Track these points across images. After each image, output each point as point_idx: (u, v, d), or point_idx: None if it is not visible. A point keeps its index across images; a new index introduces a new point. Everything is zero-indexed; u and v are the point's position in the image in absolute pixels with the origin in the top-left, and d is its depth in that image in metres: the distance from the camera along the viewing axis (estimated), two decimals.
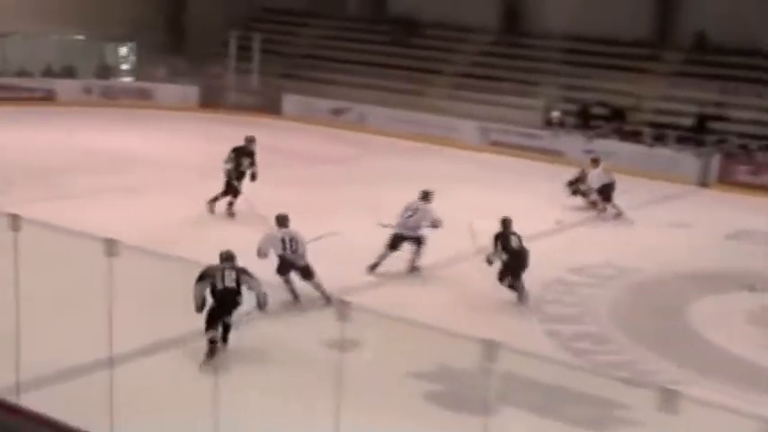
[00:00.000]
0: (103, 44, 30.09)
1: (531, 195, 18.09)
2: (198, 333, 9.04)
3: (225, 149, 15.74)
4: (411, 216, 12.84)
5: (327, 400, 6.44)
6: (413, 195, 13.19)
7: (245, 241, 10.86)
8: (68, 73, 28.36)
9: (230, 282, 9.18)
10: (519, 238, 12.02)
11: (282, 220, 11.23)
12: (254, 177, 15.66)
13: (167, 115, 25.98)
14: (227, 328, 9.21)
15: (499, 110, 24.97)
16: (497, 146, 24.22)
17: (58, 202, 13.69)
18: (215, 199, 15.37)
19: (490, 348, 5.81)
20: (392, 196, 16.33)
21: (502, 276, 11.89)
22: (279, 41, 29.78)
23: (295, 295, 11.06)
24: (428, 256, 13.24)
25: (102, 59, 30.14)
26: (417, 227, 12.84)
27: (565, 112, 24.41)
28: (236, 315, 9.10)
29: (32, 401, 6.58)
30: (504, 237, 11.95)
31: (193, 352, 8.95)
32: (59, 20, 26.89)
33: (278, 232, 11.14)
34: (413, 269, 12.92)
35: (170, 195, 15.63)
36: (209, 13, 30.20)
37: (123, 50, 30.74)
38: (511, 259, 11.85)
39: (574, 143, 23.35)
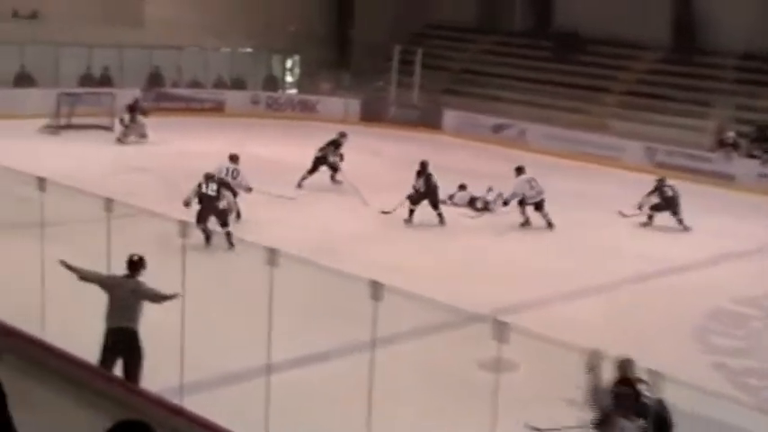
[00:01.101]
0: (271, 57, 31.06)
1: (698, 223, 17.15)
2: (352, 348, 9.05)
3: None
4: (535, 185, 15.98)
5: (481, 421, 6.32)
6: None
7: (399, 258, 10.79)
8: (238, 85, 29.39)
9: (212, 191, 13.13)
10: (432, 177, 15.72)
11: (233, 158, 14.88)
12: (338, 162, 17.84)
13: (329, 128, 26.40)
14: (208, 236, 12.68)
15: (667, 130, 24.05)
16: (664, 168, 23.14)
17: None
18: (303, 178, 17.60)
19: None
20: (555, 217, 16.05)
21: (414, 202, 15.51)
22: (441, 56, 29.79)
23: (237, 214, 14.47)
24: (587, 278, 12.92)
25: (270, 72, 31.11)
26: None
27: (738, 134, 23.24)
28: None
29: (194, 404, 6.75)
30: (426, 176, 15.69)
31: (348, 366, 8.90)
32: (230, 34, 27.91)
33: (224, 165, 14.65)
34: (550, 224, 15.83)
35: (332, 207, 15.89)
36: (375, 29, 30.61)
37: (289, 63, 31.63)
38: (426, 192, 15.64)
39: (747, 167, 22.25)
